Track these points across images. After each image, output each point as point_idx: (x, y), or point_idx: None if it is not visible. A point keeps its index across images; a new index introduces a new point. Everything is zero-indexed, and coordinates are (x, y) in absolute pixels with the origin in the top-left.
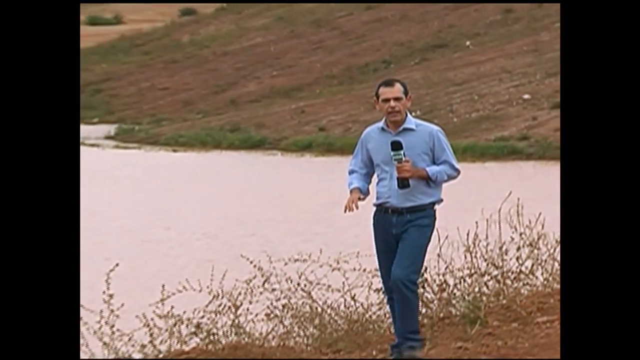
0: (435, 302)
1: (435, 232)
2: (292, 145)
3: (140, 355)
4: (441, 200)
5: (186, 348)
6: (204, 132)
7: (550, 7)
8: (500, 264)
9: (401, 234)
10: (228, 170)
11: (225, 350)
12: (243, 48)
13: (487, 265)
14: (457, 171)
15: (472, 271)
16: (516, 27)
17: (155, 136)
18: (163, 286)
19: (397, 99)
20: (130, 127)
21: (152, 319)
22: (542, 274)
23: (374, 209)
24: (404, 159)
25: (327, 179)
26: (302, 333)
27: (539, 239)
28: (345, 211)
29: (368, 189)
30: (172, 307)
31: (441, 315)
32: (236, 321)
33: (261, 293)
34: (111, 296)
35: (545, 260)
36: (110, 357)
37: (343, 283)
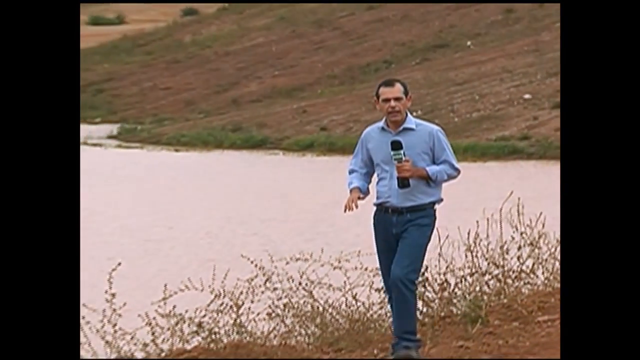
0: (437, 301)
1: (435, 232)
2: (294, 144)
3: (142, 354)
4: (441, 200)
5: (188, 347)
6: (205, 131)
7: (551, 7)
8: (501, 263)
9: (401, 233)
10: (230, 169)
11: (227, 349)
12: (245, 48)
13: (488, 264)
14: (457, 171)
15: (473, 270)
16: (517, 27)
17: (158, 136)
18: (165, 285)
19: (397, 99)
20: (133, 126)
21: (154, 318)
22: (543, 273)
23: (374, 208)
24: (404, 158)
25: (328, 178)
26: (303, 332)
27: (539, 238)
28: (345, 211)
29: (368, 189)
30: (174, 307)
31: (442, 314)
32: (238, 320)
33: (263, 292)
34: (113, 295)
35: (546, 260)
36: (112, 356)
37: (344, 282)
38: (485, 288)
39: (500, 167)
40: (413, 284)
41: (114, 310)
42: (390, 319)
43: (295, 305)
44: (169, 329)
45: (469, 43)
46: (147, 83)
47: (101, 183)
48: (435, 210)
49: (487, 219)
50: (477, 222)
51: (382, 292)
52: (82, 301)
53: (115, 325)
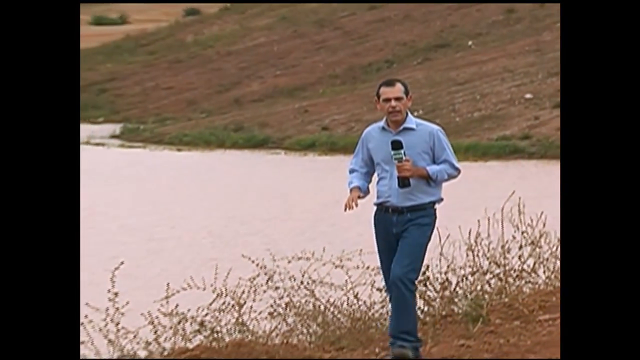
0: (438, 300)
1: (436, 231)
2: (296, 144)
3: (145, 353)
4: (441, 200)
5: (190, 345)
6: (207, 131)
7: (552, 7)
8: (503, 262)
9: (401, 233)
10: (232, 169)
11: (228, 347)
12: (246, 48)
13: (490, 263)
14: (458, 170)
15: (475, 269)
16: (518, 27)
17: (160, 135)
18: (167, 284)
19: (397, 99)
20: (135, 126)
21: (156, 317)
22: (544, 272)
23: (375, 208)
24: (404, 158)
25: (330, 177)
26: (305, 331)
27: (541, 237)
28: (345, 210)
29: (368, 188)
30: (177, 305)
31: (443, 313)
32: (240, 319)
33: (264, 291)
34: (116, 294)
35: (547, 259)
36: (115, 354)
37: (346, 281)
38: (487, 287)
39: (502, 166)
40: (412, 284)
41: (117, 309)
42: None
43: (297, 304)
44: (171, 327)
45: (470, 43)
46: (149, 83)
47: (104, 182)
48: (435, 210)
49: (488, 219)
50: (479, 221)
51: (383, 291)
52: (85, 300)
53: (118, 324)
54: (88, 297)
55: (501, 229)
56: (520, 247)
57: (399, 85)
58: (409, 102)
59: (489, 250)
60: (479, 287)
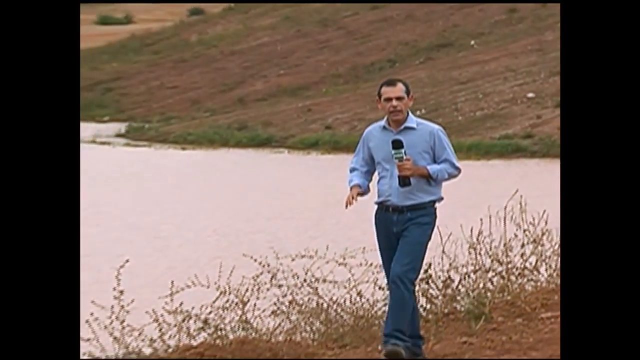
0: (440, 297)
1: (438, 229)
2: (299, 143)
3: (149, 350)
4: (442, 199)
5: (194, 343)
6: (211, 130)
7: (554, 6)
8: (505, 260)
9: (402, 232)
10: (235, 168)
11: (232, 345)
12: (250, 47)
13: (492, 261)
14: (458, 170)
15: (477, 267)
16: (520, 26)
17: (165, 134)
18: (172, 282)
19: (399, 98)
20: (140, 125)
21: (161, 315)
22: (546, 270)
23: (375, 207)
24: (404, 157)
25: (333, 176)
26: (308, 328)
27: (543, 235)
28: (346, 207)
29: (368, 186)
30: (181, 303)
31: (446, 310)
32: (243, 317)
33: (268, 289)
34: (121, 292)
35: (549, 257)
36: (120, 352)
37: (349, 279)
38: (489, 285)
39: (504, 165)
40: (412, 283)
41: (122, 307)
42: None
43: (300, 302)
44: (175, 325)
45: (472, 42)
46: (154, 82)
47: (109, 181)
48: (435, 209)
49: (490, 217)
50: (481, 219)
51: (386, 289)
52: (91, 298)
53: (123, 321)
54: (94, 295)
55: (503, 227)
56: (523, 245)
57: (400, 85)
58: (410, 102)
59: (491, 248)
60: (481, 285)
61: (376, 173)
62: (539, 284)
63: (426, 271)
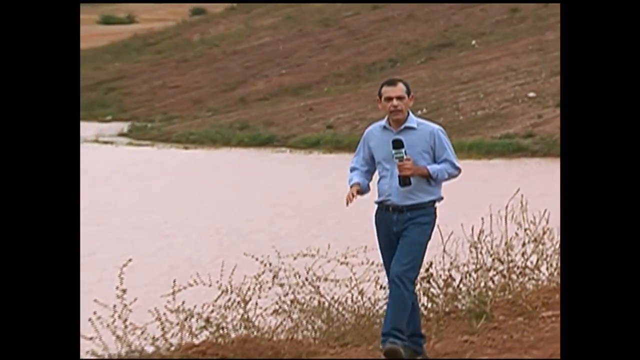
0: (441, 296)
1: (440, 228)
2: (301, 142)
3: (152, 348)
4: (441, 199)
5: (196, 341)
6: (213, 129)
7: (555, 6)
8: (506, 259)
9: (402, 231)
10: (237, 167)
11: (234, 343)
12: (252, 47)
13: (493, 260)
14: (458, 170)
15: (478, 266)
16: (522, 26)
17: (167, 133)
18: (174, 281)
19: (399, 98)
20: (143, 124)
21: (164, 314)
22: (547, 269)
23: (376, 206)
24: (405, 157)
25: (334, 175)
26: (310, 327)
27: (544, 234)
28: (347, 204)
29: (368, 185)
30: (183, 302)
31: (447, 309)
32: (245, 315)
33: (270, 288)
34: (124, 291)
35: (550, 256)
36: (123, 350)
37: (350, 278)
38: (490, 284)
39: (505, 164)
40: (411, 283)
41: (125, 305)
42: None
43: (302, 301)
44: (178, 324)
45: (473, 42)
46: (156, 81)
47: (112, 180)
48: (435, 209)
49: (491, 216)
50: (482, 218)
51: (387, 288)
52: (94, 297)
53: (125, 320)
54: (97, 293)
55: (504, 226)
56: (524, 244)
57: (400, 85)
58: (410, 102)
59: (492, 247)
60: (482, 284)
61: (376, 173)
62: (540, 282)
63: (427, 270)
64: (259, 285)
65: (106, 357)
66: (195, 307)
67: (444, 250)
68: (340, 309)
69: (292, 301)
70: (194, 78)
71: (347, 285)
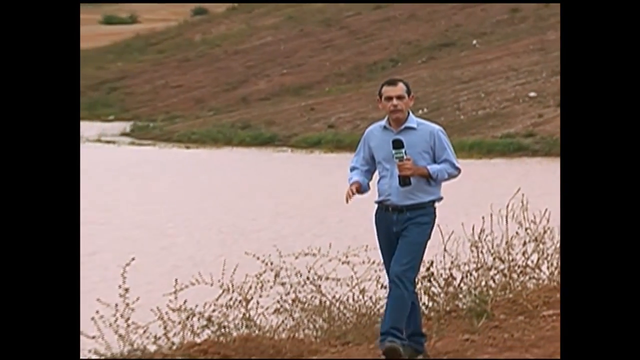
0: (442, 295)
1: (440, 227)
2: (302, 142)
3: (154, 347)
4: (441, 199)
5: (198, 340)
6: (215, 129)
7: (556, 6)
8: (507, 258)
9: (401, 231)
10: (239, 166)
11: (236, 342)
12: (253, 47)
13: (494, 259)
14: (458, 170)
15: (479, 265)
16: (522, 26)
17: (169, 133)
18: (176, 280)
19: (399, 98)
20: (145, 124)
21: (166, 313)
22: (547, 268)
23: (376, 206)
24: (405, 157)
25: (336, 175)
26: (311, 326)
27: (544, 233)
28: (347, 201)
29: (368, 184)
30: (185, 301)
31: (448, 308)
32: (247, 314)
33: (271, 287)
34: (127, 290)
35: (551, 255)
36: (125, 349)
37: (352, 277)
38: (491, 283)
39: (506, 164)
40: (410, 283)
41: (127, 304)
42: None
43: (303, 300)
44: (180, 323)
45: (474, 42)
46: (159, 81)
47: (114, 179)
48: (435, 209)
49: (491, 215)
50: (483, 217)
51: (388, 287)
52: (97, 296)
53: (128, 319)
54: (100, 292)
55: (505, 225)
56: (524, 244)
57: (400, 85)
58: (410, 102)
59: (493, 246)
60: (483, 283)
61: (377, 172)
62: (540, 281)
63: (428, 269)
64: (260, 285)
65: (109, 355)
66: (197, 306)
67: (445, 250)
68: (342, 308)
69: (293, 300)
70: (196, 78)
71: (348, 284)
